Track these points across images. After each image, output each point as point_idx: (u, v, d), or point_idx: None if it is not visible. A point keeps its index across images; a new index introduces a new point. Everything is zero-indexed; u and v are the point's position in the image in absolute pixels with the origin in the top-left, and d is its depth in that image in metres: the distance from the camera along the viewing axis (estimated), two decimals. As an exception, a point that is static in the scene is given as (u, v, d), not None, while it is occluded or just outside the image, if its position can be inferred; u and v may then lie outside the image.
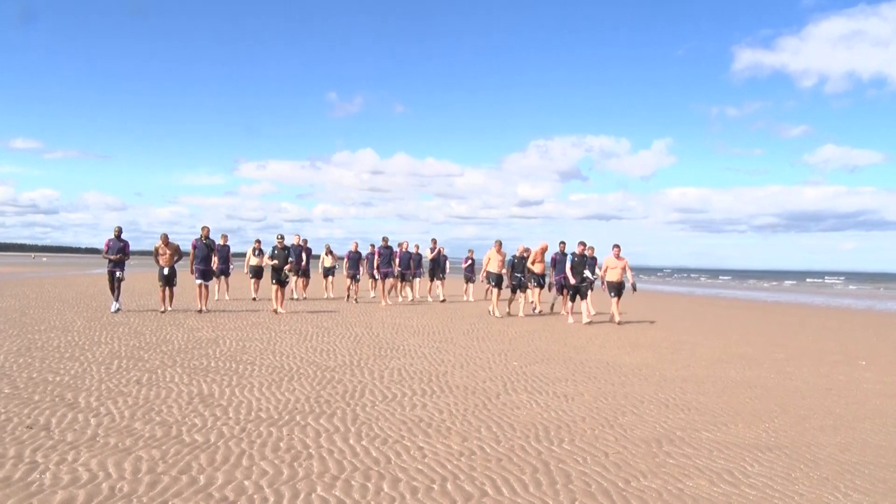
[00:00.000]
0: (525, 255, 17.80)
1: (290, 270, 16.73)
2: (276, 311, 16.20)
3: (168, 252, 15.66)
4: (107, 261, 15.53)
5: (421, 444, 5.35)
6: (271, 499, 4.11)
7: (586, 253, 16.47)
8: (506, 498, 4.25)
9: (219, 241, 19.18)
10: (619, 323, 15.68)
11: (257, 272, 20.56)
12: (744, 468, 5.02)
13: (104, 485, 4.23)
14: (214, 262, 17.65)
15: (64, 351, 9.36)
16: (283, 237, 16.97)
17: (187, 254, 16.45)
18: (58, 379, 7.43)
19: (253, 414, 6.16)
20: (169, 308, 15.63)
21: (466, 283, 24.75)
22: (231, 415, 6.09)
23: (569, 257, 16.40)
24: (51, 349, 9.48)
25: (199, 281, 16.29)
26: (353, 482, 4.44)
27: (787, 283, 69.30)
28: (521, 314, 17.51)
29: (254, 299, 20.16)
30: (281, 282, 16.47)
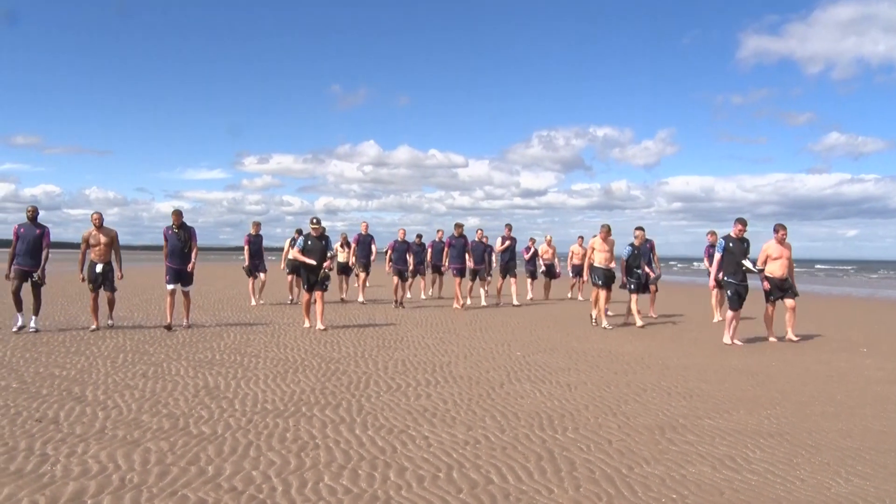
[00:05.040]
0: (647, 244, 13.65)
1: (329, 269, 12.16)
2: (312, 326, 11.97)
3: (102, 242, 11.15)
4: (11, 257, 10.86)
5: (426, 434, 5.41)
6: (279, 488, 4.16)
7: (746, 237, 11.41)
8: (511, 485, 4.31)
9: (250, 231, 16.48)
10: (796, 340, 11.44)
11: (297, 268, 15.60)
12: (746, 454, 5.07)
13: (114, 476, 4.29)
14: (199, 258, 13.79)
15: (69, 345, 9.42)
16: (319, 222, 12.11)
17: (161, 247, 11.91)
18: (64, 373, 7.49)
19: (259, 406, 6.21)
20: (110, 322, 11.49)
21: (530, 279, 20.18)
22: (237, 406, 6.15)
23: (720, 243, 11.43)
24: (56, 344, 9.54)
25: (171, 286, 11.57)
26: (359, 471, 4.50)
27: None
28: (638, 323, 13.25)
29: (291, 301, 17.00)
30: (318, 285, 11.91)
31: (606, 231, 13.25)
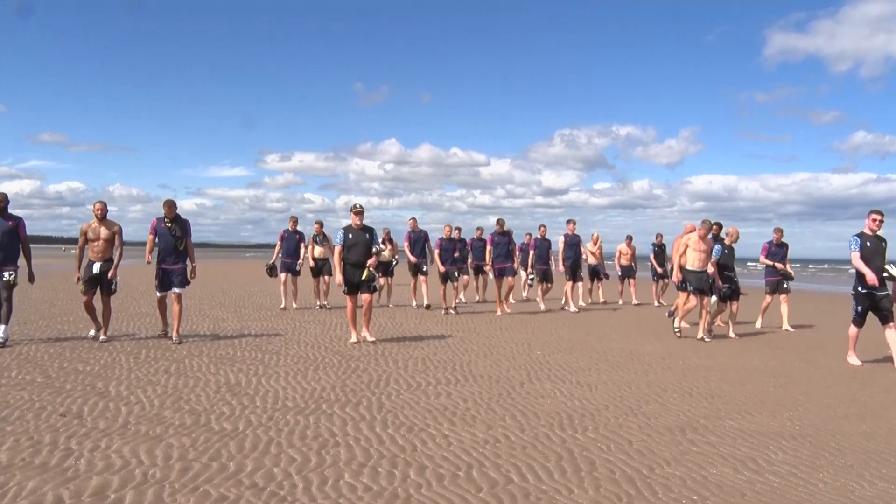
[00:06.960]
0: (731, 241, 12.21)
1: (374, 267, 10.10)
2: (360, 340, 10.08)
3: (102, 237, 9.55)
4: None
5: (446, 433, 5.41)
6: (300, 485, 4.19)
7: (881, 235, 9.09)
8: (531, 485, 4.30)
9: (286, 227, 14.88)
10: None
11: (320, 268, 15.13)
12: (768, 456, 5.02)
13: (137, 471, 4.33)
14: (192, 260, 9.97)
15: (92, 341, 9.53)
16: (361, 209, 10.04)
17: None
18: (88, 368, 7.59)
19: (280, 403, 6.25)
20: (102, 336, 9.56)
21: (571, 282, 16.58)
22: (258, 403, 6.19)
23: (854, 242, 8.97)
24: (79, 339, 9.66)
25: (160, 293, 9.85)
26: (379, 469, 4.51)
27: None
28: (731, 333, 11.99)
29: (320, 306, 15.16)
30: (363, 286, 9.92)
31: (707, 228, 11.21)
